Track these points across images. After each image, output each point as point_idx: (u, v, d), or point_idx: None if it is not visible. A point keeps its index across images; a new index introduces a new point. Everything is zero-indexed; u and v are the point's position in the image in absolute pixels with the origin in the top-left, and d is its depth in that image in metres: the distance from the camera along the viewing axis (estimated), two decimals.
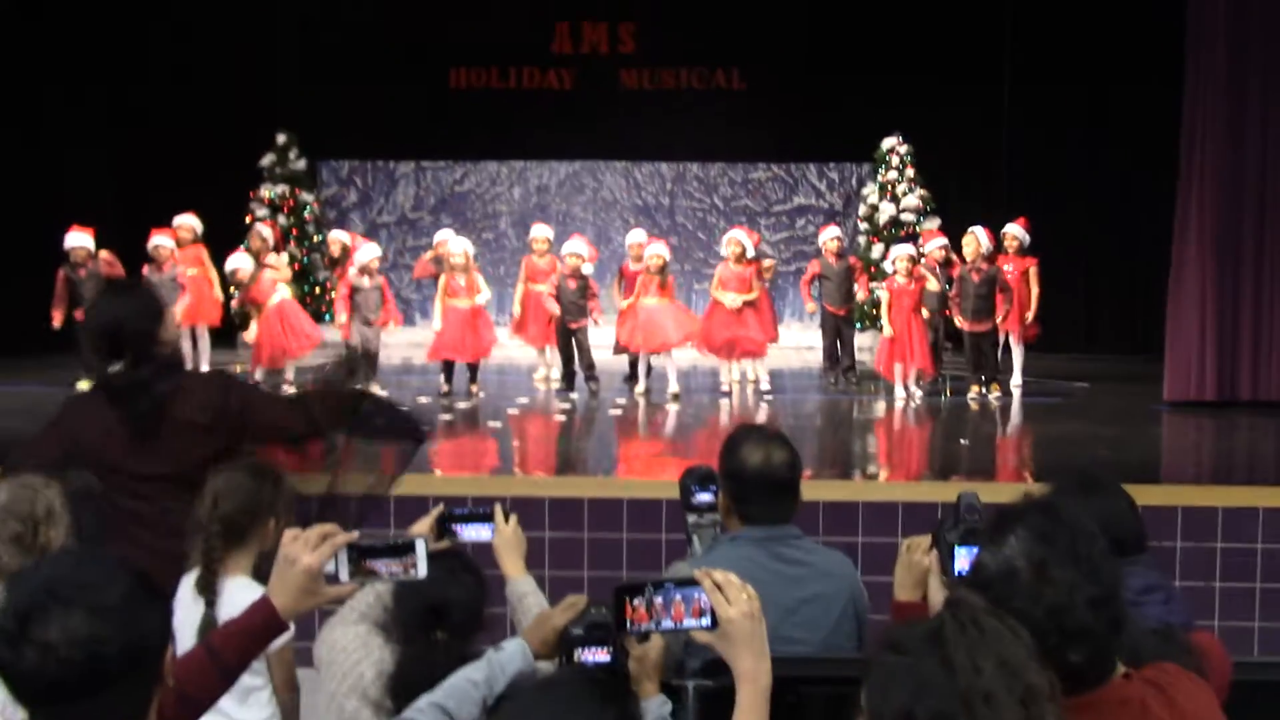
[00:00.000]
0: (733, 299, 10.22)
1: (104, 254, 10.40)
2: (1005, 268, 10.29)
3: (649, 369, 10.55)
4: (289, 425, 3.43)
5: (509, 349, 12.26)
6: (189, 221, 11.11)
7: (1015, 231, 10.61)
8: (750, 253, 10.47)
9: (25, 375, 11.03)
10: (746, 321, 10.33)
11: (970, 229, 10.26)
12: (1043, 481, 6.21)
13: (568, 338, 10.41)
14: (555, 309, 10.39)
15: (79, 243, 10.35)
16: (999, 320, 10.19)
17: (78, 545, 2.80)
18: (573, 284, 10.32)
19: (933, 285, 10.24)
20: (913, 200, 14.23)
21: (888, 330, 10.19)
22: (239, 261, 10.58)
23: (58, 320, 10.23)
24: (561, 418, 9.39)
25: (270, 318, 10.36)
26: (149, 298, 3.50)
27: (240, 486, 3.06)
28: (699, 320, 10.71)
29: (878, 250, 14.11)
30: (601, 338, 10.88)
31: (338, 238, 11.63)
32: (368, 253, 10.49)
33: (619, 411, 9.73)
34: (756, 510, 2.91)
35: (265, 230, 11.41)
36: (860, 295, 11.62)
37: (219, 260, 11.06)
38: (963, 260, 10.39)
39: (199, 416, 3.31)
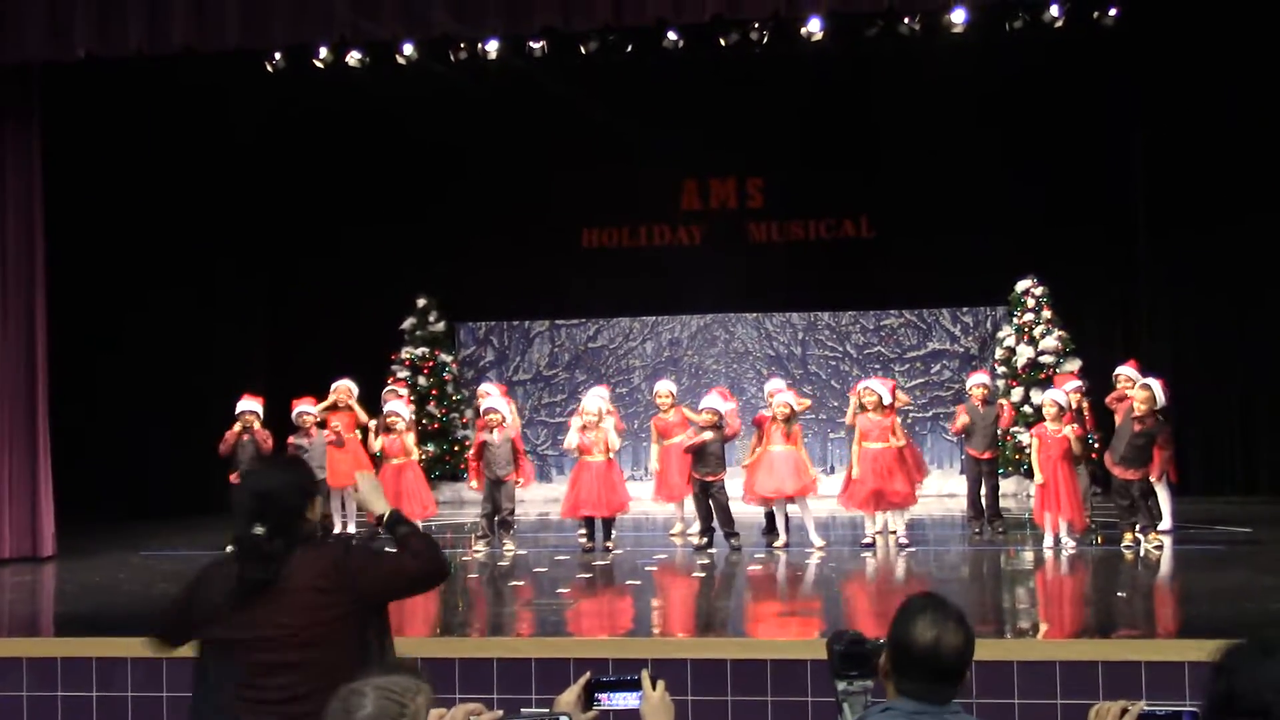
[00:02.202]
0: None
1: (260, 430, 10.75)
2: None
3: (787, 521, 10.44)
4: (411, 571, 3.52)
5: (645, 503, 12.25)
6: (345, 384, 11.44)
7: (1130, 373, 10.31)
8: (887, 399, 10.36)
9: (174, 540, 11.38)
10: (893, 472, 10.18)
11: (1147, 381, 9.90)
12: (1213, 637, 5.89)
13: (704, 492, 10.35)
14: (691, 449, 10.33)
15: (251, 408, 10.75)
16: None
17: None
18: (710, 436, 10.30)
19: (1076, 445, 9.94)
20: (1051, 341, 13.98)
21: (1039, 477, 9.94)
22: (398, 409, 10.81)
23: (237, 479, 10.59)
24: (701, 574, 9.27)
25: (390, 477, 10.53)
26: (305, 477, 3.64)
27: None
28: (814, 473, 10.63)
29: (1017, 393, 13.85)
30: (733, 489, 10.80)
31: (485, 390, 11.56)
32: (492, 406, 10.59)
33: (759, 567, 9.57)
34: (915, 688, 2.81)
35: (400, 391, 11.68)
36: (1004, 421, 11.35)
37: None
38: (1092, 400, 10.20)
39: (317, 582, 3.37)
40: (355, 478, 3.67)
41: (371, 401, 11.49)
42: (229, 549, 3.54)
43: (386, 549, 3.57)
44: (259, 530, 3.38)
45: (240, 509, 3.44)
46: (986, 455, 10.91)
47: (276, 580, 3.34)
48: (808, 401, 11.41)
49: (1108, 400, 10.37)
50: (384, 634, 3.56)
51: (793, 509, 10.49)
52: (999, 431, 10.96)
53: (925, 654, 2.78)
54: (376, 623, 3.53)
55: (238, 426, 10.65)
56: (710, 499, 10.30)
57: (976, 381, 11.08)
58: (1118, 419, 9.94)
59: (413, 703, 2.60)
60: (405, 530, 3.58)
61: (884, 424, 10.23)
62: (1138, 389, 9.83)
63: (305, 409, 11.03)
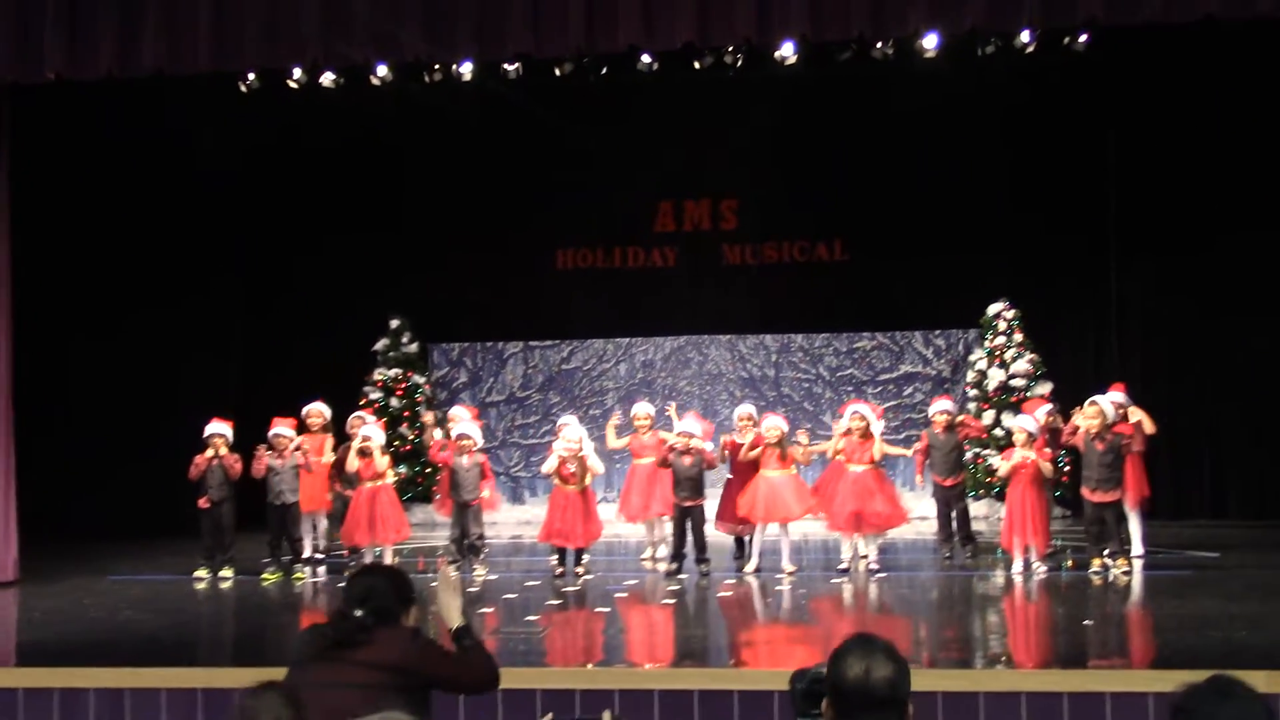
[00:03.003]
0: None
1: (226, 453, 10.67)
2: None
3: (750, 545, 10.47)
4: (464, 680, 4.16)
5: (617, 525, 12.23)
6: (318, 408, 11.38)
7: (1120, 399, 10.38)
8: (875, 427, 10.39)
9: (141, 564, 11.28)
10: (873, 493, 10.19)
11: (1094, 399, 10.02)
12: (1179, 668, 5.90)
13: (683, 517, 10.33)
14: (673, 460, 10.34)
15: (219, 431, 10.68)
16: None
17: None
18: (687, 461, 10.29)
19: (1047, 469, 10.00)
20: (1022, 365, 14.04)
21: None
22: (372, 432, 10.76)
23: (206, 504, 10.52)
24: (671, 601, 9.25)
25: (362, 501, 10.48)
26: (406, 586, 4.18)
27: None
28: (814, 497, 10.63)
29: (988, 417, 13.91)
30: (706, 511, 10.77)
31: (455, 415, 11.46)
32: (460, 430, 10.54)
33: (729, 594, 9.56)
34: None
35: (369, 417, 11.61)
36: (971, 431, 11.39)
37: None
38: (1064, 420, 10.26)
39: (391, 659, 3.90)
40: (439, 588, 4.32)
41: (340, 425, 11.42)
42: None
43: (449, 650, 4.12)
44: (358, 614, 3.95)
45: (347, 600, 4.04)
46: (949, 482, 10.92)
47: (359, 646, 3.90)
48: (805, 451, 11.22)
49: (1063, 438, 10.39)
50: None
51: (769, 532, 10.47)
52: (963, 455, 11.00)
53: (858, 687, 2.89)
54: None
55: (209, 452, 10.58)
56: (688, 523, 10.28)
57: (939, 409, 11.07)
58: (1081, 447, 9.99)
59: None
60: (470, 644, 4.15)
61: (866, 447, 10.26)
62: (1086, 407, 9.91)
63: (282, 430, 10.97)
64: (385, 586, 4.10)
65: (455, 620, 4.18)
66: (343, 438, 11.14)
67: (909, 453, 11.27)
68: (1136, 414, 10.26)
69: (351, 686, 3.79)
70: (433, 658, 4.04)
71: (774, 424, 10.53)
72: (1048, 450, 10.16)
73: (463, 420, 10.91)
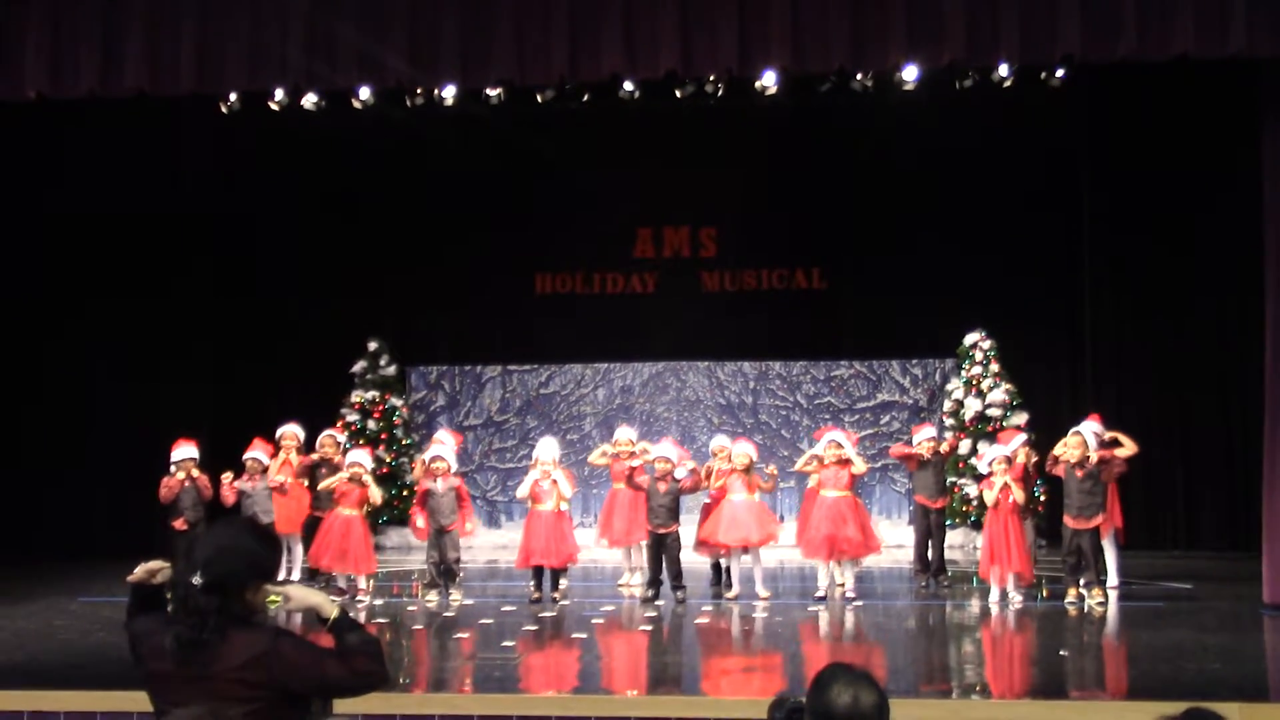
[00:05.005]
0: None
1: (197, 474, 10.62)
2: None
3: (730, 572, 10.48)
4: (338, 680, 3.37)
5: (594, 550, 12.22)
6: (292, 430, 11.33)
7: (1096, 429, 10.45)
8: (852, 456, 10.41)
9: (113, 586, 11.17)
10: (846, 520, 10.22)
11: (1077, 429, 10.08)
12: (1153, 699, 5.92)
13: (658, 544, 10.32)
14: (643, 483, 10.35)
15: (188, 454, 10.62)
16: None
17: None
18: (662, 488, 10.29)
19: (1018, 495, 10.05)
20: (999, 395, 14.12)
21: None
22: (361, 458, 10.67)
23: (183, 525, 10.44)
24: (648, 627, 9.24)
25: (334, 527, 10.40)
26: (271, 559, 3.51)
27: None
28: (778, 523, 10.67)
29: (965, 446, 13.97)
30: (684, 537, 10.76)
31: (440, 439, 11.15)
32: (436, 453, 10.45)
33: (706, 620, 9.55)
34: None
35: (339, 436, 11.55)
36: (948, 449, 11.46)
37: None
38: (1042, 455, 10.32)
39: (243, 673, 3.28)
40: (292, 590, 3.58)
41: (310, 447, 11.37)
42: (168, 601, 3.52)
43: (321, 646, 3.40)
44: (196, 581, 3.30)
45: (189, 557, 3.38)
46: (938, 503, 11.02)
47: (206, 653, 3.26)
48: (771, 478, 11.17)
49: (1047, 466, 10.46)
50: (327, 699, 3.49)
51: (744, 559, 10.50)
52: (947, 480, 11.08)
53: (848, 715, 2.89)
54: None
55: (180, 475, 10.52)
56: (663, 551, 10.28)
57: (925, 436, 11.19)
58: (1062, 475, 10.05)
59: None
60: (354, 640, 3.41)
61: (841, 475, 10.29)
62: (1069, 437, 9.98)
63: (257, 454, 10.92)
64: (246, 553, 3.41)
65: (330, 610, 3.46)
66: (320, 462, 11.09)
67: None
68: (1114, 435, 10.33)
69: (205, 710, 3.26)
70: (299, 660, 3.32)
71: (743, 450, 10.59)
72: (1020, 482, 10.22)
73: (442, 444, 10.86)
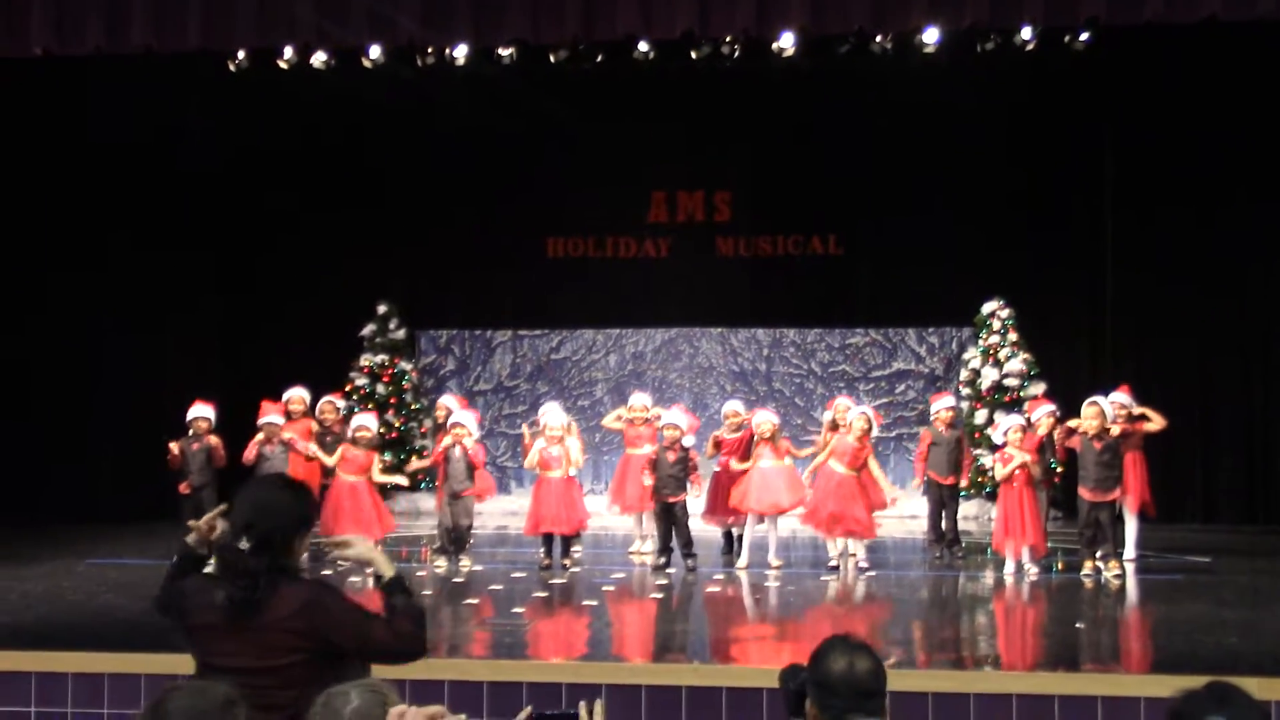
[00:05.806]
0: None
1: (212, 438, 10.52)
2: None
3: (749, 541, 10.38)
4: (379, 639, 3.40)
5: (605, 517, 12.13)
6: (299, 394, 11.23)
7: (1125, 400, 10.31)
8: (875, 430, 10.32)
9: (120, 548, 11.13)
10: (854, 497, 10.10)
11: (1094, 399, 9.94)
12: (1171, 672, 5.81)
13: (666, 513, 10.23)
14: (649, 481, 10.31)
15: (202, 414, 10.53)
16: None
17: None
18: (671, 456, 10.20)
19: (1036, 472, 9.92)
20: (1016, 365, 13.96)
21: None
22: (366, 420, 10.57)
23: (187, 489, 10.36)
24: (659, 595, 9.15)
25: (340, 494, 10.30)
26: (307, 506, 3.58)
27: None
28: (808, 489, 10.55)
29: (981, 416, 13.83)
30: (694, 506, 10.69)
31: (445, 404, 11.38)
32: (459, 420, 10.35)
33: (717, 589, 9.46)
34: (846, 709, 3.03)
35: (339, 402, 11.43)
36: (963, 481, 11.33)
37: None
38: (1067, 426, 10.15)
39: (291, 622, 3.34)
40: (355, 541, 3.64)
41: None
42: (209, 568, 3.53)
43: (366, 608, 3.45)
44: (244, 545, 3.36)
45: (231, 521, 3.44)
46: (949, 480, 10.85)
47: (260, 609, 3.31)
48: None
49: (1058, 437, 10.30)
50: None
51: (759, 527, 10.40)
52: (961, 457, 10.92)
53: (843, 679, 3.04)
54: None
55: (190, 432, 10.43)
56: (671, 519, 10.20)
57: (942, 405, 11.03)
58: (1079, 447, 9.91)
59: (391, 698, 2.72)
60: (400, 602, 3.43)
61: (859, 449, 10.16)
62: (1085, 407, 9.84)
63: (273, 419, 10.81)
64: (286, 506, 3.44)
65: (387, 569, 3.47)
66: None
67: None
68: (1142, 411, 10.19)
69: (257, 663, 3.29)
70: (343, 617, 3.36)
71: (765, 418, 10.50)
72: (1034, 454, 10.07)
73: (453, 409, 10.76)
